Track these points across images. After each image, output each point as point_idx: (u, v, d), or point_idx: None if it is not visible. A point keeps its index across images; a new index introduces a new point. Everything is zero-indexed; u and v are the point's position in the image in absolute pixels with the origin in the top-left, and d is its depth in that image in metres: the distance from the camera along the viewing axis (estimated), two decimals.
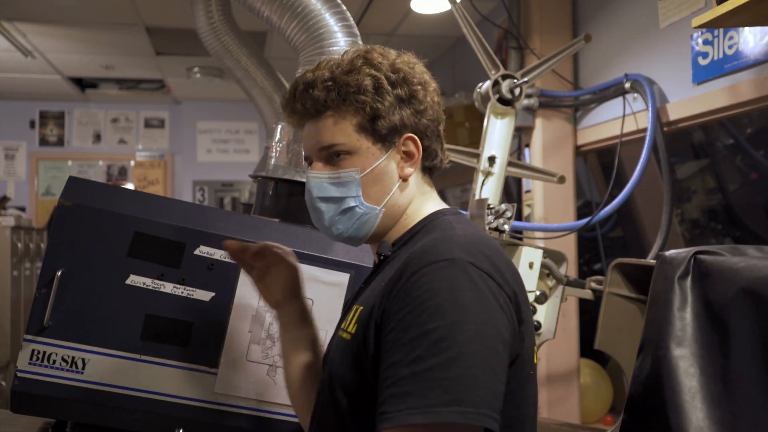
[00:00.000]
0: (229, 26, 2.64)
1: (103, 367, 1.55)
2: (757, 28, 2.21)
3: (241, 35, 2.67)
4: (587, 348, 3.18)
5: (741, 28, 2.28)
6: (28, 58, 5.30)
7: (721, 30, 2.36)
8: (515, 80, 2.59)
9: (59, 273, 1.52)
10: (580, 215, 3.44)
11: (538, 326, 2.28)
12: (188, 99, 7.00)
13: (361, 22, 4.16)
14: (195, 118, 7.09)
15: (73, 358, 1.54)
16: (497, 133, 2.58)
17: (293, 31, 2.10)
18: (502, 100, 2.59)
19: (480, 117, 2.71)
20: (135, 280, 1.56)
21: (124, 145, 7.21)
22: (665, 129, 2.69)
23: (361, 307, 1.12)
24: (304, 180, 1.71)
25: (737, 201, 3.80)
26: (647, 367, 1.50)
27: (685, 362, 1.43)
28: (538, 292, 2.27)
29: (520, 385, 1.05)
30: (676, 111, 2.64)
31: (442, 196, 6.33)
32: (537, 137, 3.34)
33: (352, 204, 1.16)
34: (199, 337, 1.59)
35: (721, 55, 2.38)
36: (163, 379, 1.57)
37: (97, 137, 7.16)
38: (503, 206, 2.25)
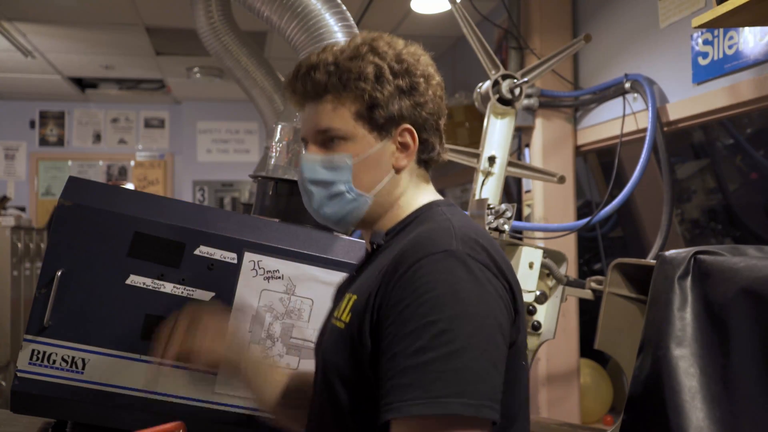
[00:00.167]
0: (229, 26, 2.64)
1: (103, 367, 1.55)
2: (757, 28, 2.21)
3: (241, 35, 2.67)
4: (587, 348, 3.18)
5: (741, 28, 2.28)
6: (28, 58, 5.30)
7: (721, 30, 2.36)
8: (515, 80, 2.59)
9: (59, 273, 1.52)
10: (580, 215, 3.44)
11: (538, 326, 2.28)
12: (188, 99, 7.00)
13: (361, 22, 4.16)
14: (195, 118, 7.09)
15: (73, 358, 1.54)
16: (497, 133, 2.58)
17: (293, 31, 2.11)
18: (502, 100, 2.59)
19: (480, 117, 2.71)
20: (135, 280, 1.56)
21: (124, 145, 7.21)
22: (665, 129, 2.69)
23: (354, 296, 1.12)
24: None
25: (737, 201, 3.80)
26: (647, 367, 1.50)
27: (685, 362, 1.42)
28: (538, 292, 2.27)
29: (515, 374, 1.07)
30: (676, 111, 2.64)
31: (442, 196, 6.29)
32: (537, 137, 3.34)
33: (342, 189, 1.16)
34: None
35: (721, 55, 2.38)
36: (163, 379, 1.57)
37: (97, 137, 7.16)
38: (503, 206, 2.25)
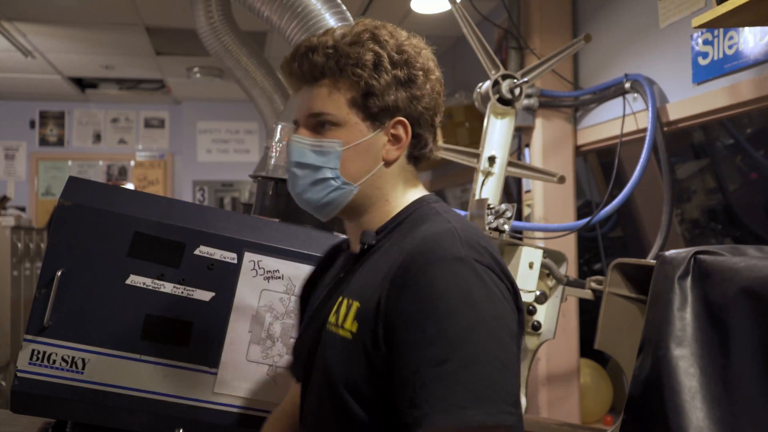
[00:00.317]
0: (229, 26, 2.64)
1: (103, 367, 1.55)
2: (757, 28, 2.21)
3: (241, 35, 2.67)
4: (587, 348, 3.18)
5: (741, 28, 2.27)
6: (28, 58, 5.30)
7: (721, 30, 2.36)
8: (515, 80, 2.59)
9: (59, 273, 1.52)
10: (580, 215, 3.44)
11: (538, 326, 2.27)
12: (188, 99, 7.00)
13: None
14: (195, 118, 7.09)
15: (73, 358, 1.54)
16: (497, 133, 2.57)
17: (293, 31, 2.11)
18: (502, 100, 2.59)
19: (480, 117, 2.71)
20: (135, 280, 1.56)
21: (124, 145, 7.21)
22: (665, 129, 2.69)
23: (356, 303, 1.08)
24: None
25: (737, 201, 3.80)
26: (647, 367, 1.50)
27: (685, 362, 1.43)
28: (538, 292, 2.27)
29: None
30: (676, 111, 2.64)
31: (442, 195, 6.26)
32: (537, 137, 3.34)
33: (329, 175, 1.14)
34: (199, 337, 1.59)
35: (721, 55, 2.38)
36: (163, 379, 1.57)
37: (97, 137, 7.16)
38: (503, 206, 2.25)
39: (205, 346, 1.59)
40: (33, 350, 1.53)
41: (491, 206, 2.25)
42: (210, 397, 1.59)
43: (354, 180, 1.15)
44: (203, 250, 1.59)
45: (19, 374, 1.53)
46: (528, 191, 3.43)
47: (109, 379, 1.55)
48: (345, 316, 1.09)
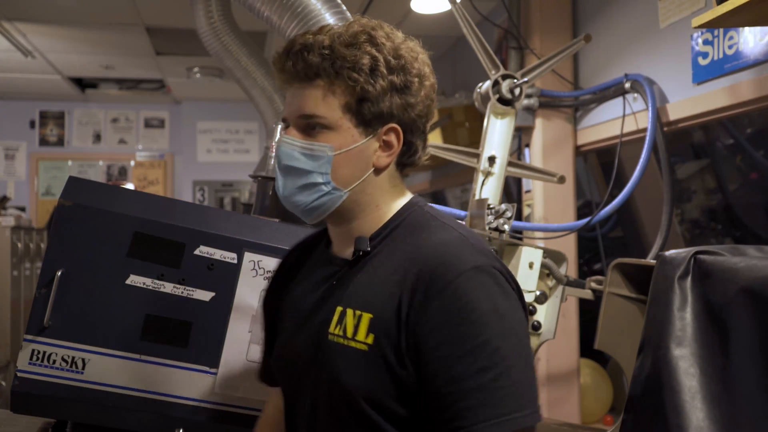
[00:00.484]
0: (229, 26, 2.64)
1: (103, 367, 1.55)
2: (757, 28, 2.21)
3: (241, 35, 2.67)
4: (587, 348, 3.18)
5: (741, 28, 2.27)
6: (28, 58, 5.30)
7: (721, 30, 2.36)
8: (515, 80, 2.59)
9: (59, 273, 1.52)
10: (580, 215, 3.44)
11: (538, 326, 2.28)
12: (188, 99, 7.00)
13: None
14: (195, 118, 7.09)
15: (73, 358, 1.54)
16: (497, 133, 2.57)
17: (293, 31, 2.11)
18: (502, 100, 2.59)
19: (480, 117, 2.71)
20: (135, 280, 1.56)
21: (124, 145, 7.21)
22: (665, 129, 2.69)
23: (367, 314, 1.06)
24: None
25: (737, 201, 3.80)
26: (647, 367, 1.50)
27: (685, 362, 1.43)
28: (538, 292, 2.27)
29: None
30: (676, 111, 2.64)
31: (442, 195, 6.25)
32: (537, 137, 3.34)
33: (318, 180, 1.11)
34: (199, 337, 1.59)
35: (721, 55, 2.38)
36: (163, 379, 1.57)
37: (97, 137, 7.16)
38: (503, 206, 2.25)
39: (205, 346, 1.59)
40: (33, 350, 1.53)
41: (491, 206, 2.26)
42: (210, 397, 1.59)
43: (344, 186, 1.12)
44: (203, 250, 1.59)
45: (19, 374, 1.53)
46: (528, 191, 3.43)
47: (109, 379, 1.55)
48: (355, 328, 1.07)
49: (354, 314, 1.08)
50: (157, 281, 1.57)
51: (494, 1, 3.82)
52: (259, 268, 1.62)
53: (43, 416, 1.67)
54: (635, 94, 2.84)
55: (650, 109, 2.66)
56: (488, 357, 0.98)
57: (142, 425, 1.58)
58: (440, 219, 1.13)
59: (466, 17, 2.57)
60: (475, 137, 3.04)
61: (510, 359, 0.99)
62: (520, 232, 3.27)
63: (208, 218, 1.63)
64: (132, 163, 7.24)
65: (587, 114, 3.26)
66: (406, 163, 1.17)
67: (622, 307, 1.80)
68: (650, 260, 1.78)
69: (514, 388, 0.98)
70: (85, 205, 1.56)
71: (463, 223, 2.08)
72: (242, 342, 1.60)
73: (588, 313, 3.03)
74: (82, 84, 6.43)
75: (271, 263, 1.62)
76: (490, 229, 2.23)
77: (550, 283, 2.32)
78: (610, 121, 3.06)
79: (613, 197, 2.83)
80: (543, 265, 2.27)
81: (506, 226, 2.23)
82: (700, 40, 2.47)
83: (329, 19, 2.06)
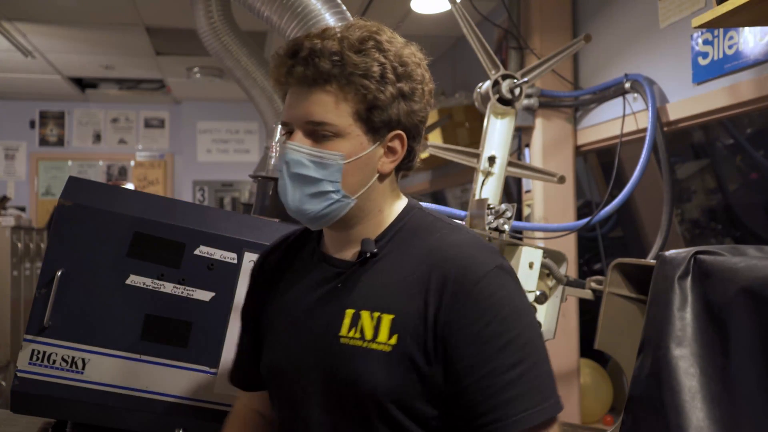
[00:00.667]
0: (229, 26, 2.64)
1: (103, 367, 1.55)
2: (757, 28, 2.21)
3: (241, 35, 2.67)
4: (587, 348, 3.18)
5: (741, 28, 2.27)
6: (28, 58, 5.30)
7: (721, 30, 2.36)
8: (515, 80, 2.59)
9: (59, 273, 1.52)
10: (580, 215, 3.44)
11: (538, 326, 2.27)
12: (188, 99, 7.00)
13: None
14: (195, 118, 7.09)
15: (73, 358, 1.54)
16: (497, 133, 2.57)
17: (293, 31, 2.11)
18: (502, 100, 2.59)
19: (480, 117, 2.71)
20: (135, 280, 1.56)
21: (124, 145, 7.21)
22: (665, 129, 2.69)
23: (387, 315, 1.06)
24: None
25: (737, 201, 3.80)
26: (647, 367, 1.50)
27: (685, 362, 1.43)
28: (538, 292, 2.27)
29: None
30: (676, 111, 2.64)
31: (442, 195, 6.23)
32: (537, 137, 3.34)
33: (329, 189, 1.10)
34: (199, 337, 1.59)
35: (721, 55, 2.38)
36: (163, 379, 1.57)
37: (97, 137, 7.16)
38: (503, 206, 2.25)
39: (205, 346, 1.59)
40: (33, 350, 1.53)
41: (491, 206, 2.25)
42: (210, 397, 1.59)
43: (352, 193, 1.12)
44: (203, 250, 1.59)
45: (19, 374, 1.53)
46: (528, 191, 3.43)
47: (109, 379, 1.55)
48: (376, 330, 1.07)
49: (371, 316, 1.08)
50: (157, 281, 1.57)
51: (494, 1, 3.82)
52: None
53: (43, 416, 1.67)
54: (635, 94, 2.84)
55: (650, 109, 2.66)
56: (519, 351, 1.03)
57: (142, 425, 1.58)
58: (444, 221, 1.16)
59: (466, 17, 2.57)
60: (475, 137, 3.04)
61: (537, 352, 1.05)
62: (520, 232, 3.27)
63: (208, 218, 1.63)
64: (132, 163, 7.24)
65: (587, 114, 3.26)
66: (404, 167, 1.18)
67: (622, 307, 1.80)
68: (650, 260, 1.78)
69: (542, 378, 1.04)
70: (85, 205, 1.56)
71: (463, 223, 2.08)
72: None
73: (588, 313, 3.03)
74: (82, 84, 6.43)
75: None
76: (490, 229, 2.23)
77: (550, 283, 2.32)
78: (610, 121, 3.06)
79: (613, 197, 2.83)
80: (543, 265, 2.27)
81: (506, 226, 2.23)
82: (700, 40, 2.47)
83: (329, 19, 2.06)
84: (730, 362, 1.37)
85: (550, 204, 3.29)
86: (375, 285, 1.11)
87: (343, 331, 1.09)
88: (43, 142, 7.06)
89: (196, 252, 1.59)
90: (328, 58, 1.07)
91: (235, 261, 1.60)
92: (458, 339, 1.03)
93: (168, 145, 7.26)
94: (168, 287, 1.57)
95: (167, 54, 5.36)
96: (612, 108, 3.04)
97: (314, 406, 1.12)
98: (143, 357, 1.56)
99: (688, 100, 2.57)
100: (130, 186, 7.05)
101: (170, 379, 1.57)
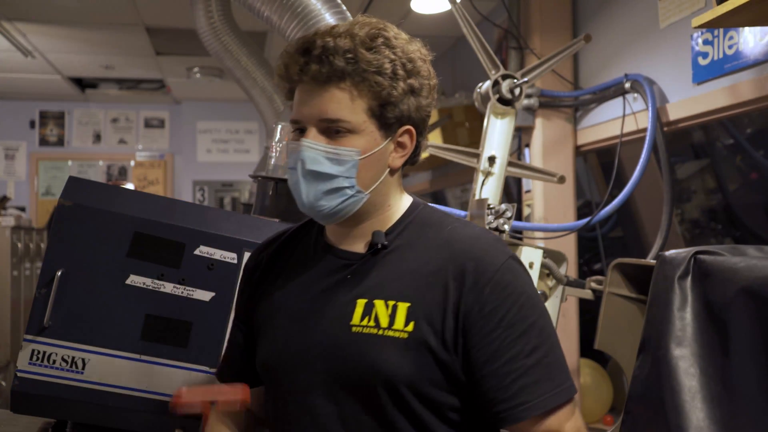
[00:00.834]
0: (229, 26, 2.64)
1: (103, 367, 1.55)
2: (757, 28, 2.21)
3: (241, 35, 2.67)
4: (587, 348, 3.18)
5: (741, 28, 2.27)
6: (28, 58, 5.30)
7: (721, 30, 2.36)
8: (515, 80, 2.59)
9: (59, 273, 1.52)
10: (580, 215, 3.44)
11: None
12: (188, 99, 7.00)
13: None
14: (195, 118, 7.09)
15: (73, 358, 1.54)
16: (497, 133, 2.57)
17: (293, 31, 2.11)
18: (502, 100, 2.59)
19: (480, 117, 2.71)
20: (135, 280, 1.56)
21: (124, 145, 7.21)
22: (665, 129, 2.69)
23: (403, 303, 1.08)
24: None
25: (737, 201, 3.79)
26: (647, 367, 1.50)
27: (685, 362, 1.43)
28: (538, 292, 2.27)
29: None
30: (676, 111, 2.64)
31: (442, 195, 6.22)
32: (537, 137, 3.34)
33: (345, 185, 1.12)
34: (199, 337, 1.59)
35: (721, 55, 2.38)
36: (163, 379, 1.57)
37: (97, 137, 7.16)
38: (503, 206, 2.25)
39: (205, 346, 1.59)
40: (33, 350, 1.53)
41: (491, 206, 2.26)
42: None
43: (366, 188, 1.14)
44: (203, 250, 1.59)
45: (19, 374, 1.53)
46: (528, 191, 3.43)
47: (109, 379, 1.55)
48: (391, 318, 1.09)
49: (386, 305, 1.10)
50: (157, 281, 1.57)
51: (494, 1, 3.82)
52: None
53: (43, 416, 1.67)
54: (635, 94, 2.84)
55: (650, 109, 2.66)
56: (536, 337, 1.07)
57: (142, 425, 1.58)
58: (453, 216, 1.21)
59: (466, 17, 2.57)
60: (475, 137, 3.05)
61: (552, 337, 1.10)
62: (520, 232, 3.27)
63: (208, 218, 1.63)
64: (132, 163, 7.24)
65: (587, 114, 3.26)
66: (410, 162, 1.21)
67: (622, 307, 1.80)
68: (650, 260, 1.78)
69: (558, 363, 1.09)
70: (85, 205, 1.56)
71: None
72: None
73: (588, 313, 3.03)
74: (82, 84, 6.43)
75: None
76: (490, 228, 2.23)
77: (550, 283, 2.32)
78: (610, 121, 3.06)
79: (613, 197, 2.83)
80: (543, 265, 2.27)
81: (506, 226, 2.23)
82: (700, 40, 2.47)
83: (329, 19, 2.06)
84: (730, 362, 1.37)
85: (550, 204, 3.29)
86: (388, 275, 1.13)
87: (355, 320, 1.10)
88: (43, 142, 7.06)
89: (196, 252, 1.59)
90: (342, 55, 1.09)
91: (235, 261, 1.60)
92: (480, 327, 1.07)
93: (168, 145, 7.26)
94: (168, 287, 1.57)
95: (167, 54, 5.36)
96: (612, 108, 3.03)
97: (320, 396, 1.12)
98: (143, 357, 1.56)
99: (688, 100, 2.57)
100: (130, 186, 7.05)
101: (170, 379, 1.57)
